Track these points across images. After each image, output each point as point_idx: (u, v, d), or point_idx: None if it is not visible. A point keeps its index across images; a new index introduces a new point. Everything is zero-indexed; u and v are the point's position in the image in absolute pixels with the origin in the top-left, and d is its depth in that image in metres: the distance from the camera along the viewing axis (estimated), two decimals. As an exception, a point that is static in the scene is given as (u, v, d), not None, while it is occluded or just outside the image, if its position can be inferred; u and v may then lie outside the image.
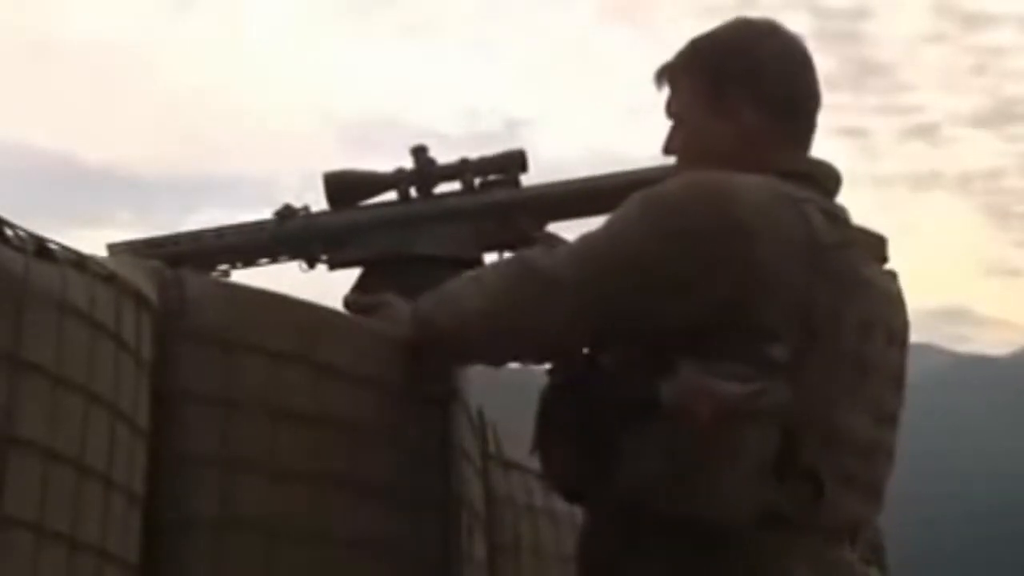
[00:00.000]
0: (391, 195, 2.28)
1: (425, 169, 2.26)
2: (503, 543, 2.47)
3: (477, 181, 2.28)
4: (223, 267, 2.22)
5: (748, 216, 1.76)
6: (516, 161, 2.28)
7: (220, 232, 2.26)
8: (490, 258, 2.26)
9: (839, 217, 1.87)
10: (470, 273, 2.00)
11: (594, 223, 1.88)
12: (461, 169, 2.27)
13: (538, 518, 2.59)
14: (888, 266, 1.96)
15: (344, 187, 2.25)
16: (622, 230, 1.82)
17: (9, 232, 1.46)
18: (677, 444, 1.69)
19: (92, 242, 2.00)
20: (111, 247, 2.19)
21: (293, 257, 2.27)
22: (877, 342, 1.85)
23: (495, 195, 2.27)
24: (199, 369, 1.78)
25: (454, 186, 2.29)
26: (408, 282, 2.16)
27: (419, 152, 2.26)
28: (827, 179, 1.94)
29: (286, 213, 2.26)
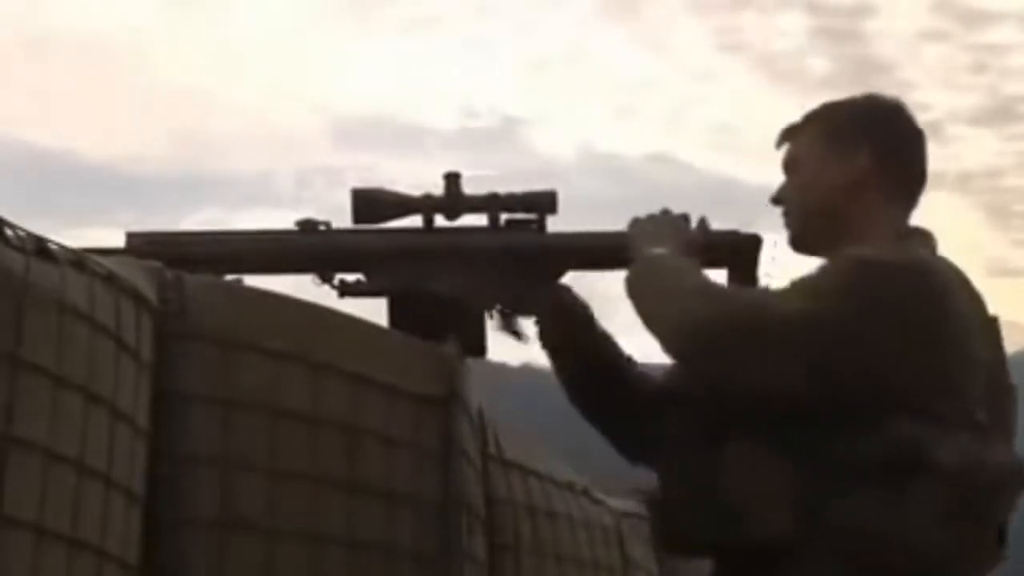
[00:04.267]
0: (416, 219, 2.27)
1: (453, 197, 2.25)
2: (503, 543, 2.46)
3: (504, 217, 2.27)
4: (236, 275, 2.20)
5: (947, 284, 1.92)
6: (546, 202, 2.27)
7: (240, 237, 2.25)
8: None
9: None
10: (696, 285, 1.99)
11: (613, 276, 1.98)
12: (489, 203, 2.26)
13: (538, 518, 2.59)
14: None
15: (371, 206, 2.24)
16: (845, 296, 1.89)
17: (9, 232, 1.46)
18: (958, 506, 1.82)
19: (92, 242, 1.98)
20: (130, 235, 2.18)
21: (309, 271, 2.26)
22: (1016, 404, 2.00)
23: (520, 238, 2.26)
24: (199, 369, 1.78)
25: (480, 218, 2.28)
26: (419, 317, 2.17)
27: (450, 178, 2.25)
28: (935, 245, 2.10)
29: (307, 227, 2.25)
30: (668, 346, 1.94)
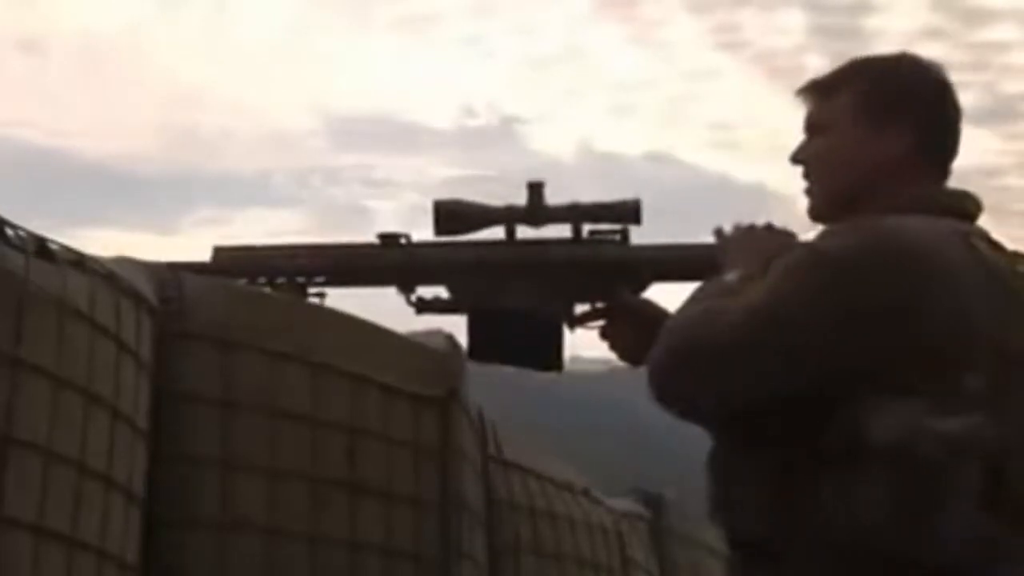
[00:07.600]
0: (499, 230, 2.25)
1: (535, 208, 2.23)
2: (503, 543, 2.47)
3: (587, 228, 2.26)
4: (317, 289, 2.19)
5: (923, 260, 1.75)
6: (630, 211, 2.24)
7: (322, 251, 2.24)
8: (582, 308, 2.25)
9: (997, 243, 1.89)
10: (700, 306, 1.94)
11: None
12: (573, 213, 2.24)
13: (538, 518, 2.59)
14: None
15: (453, 217, 2.23)
16: (806, 291, 1.79)
17: (9, 232, 1.46)
18: (899, 485, 1.68)
19: (92, 242, 1.99)
20: (217, 249, 2.18)
21: (390, 285, 2.25)
22: None
23: (604, 251, 2.24)
24: (199, 369, 1.78)
25: (563, 229, 2.26)
26: (497, 332, 2.16)
27: (533, 188, 2.23)
28: (975, 208, 1.96)
29: (389, 240, 2.24)
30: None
